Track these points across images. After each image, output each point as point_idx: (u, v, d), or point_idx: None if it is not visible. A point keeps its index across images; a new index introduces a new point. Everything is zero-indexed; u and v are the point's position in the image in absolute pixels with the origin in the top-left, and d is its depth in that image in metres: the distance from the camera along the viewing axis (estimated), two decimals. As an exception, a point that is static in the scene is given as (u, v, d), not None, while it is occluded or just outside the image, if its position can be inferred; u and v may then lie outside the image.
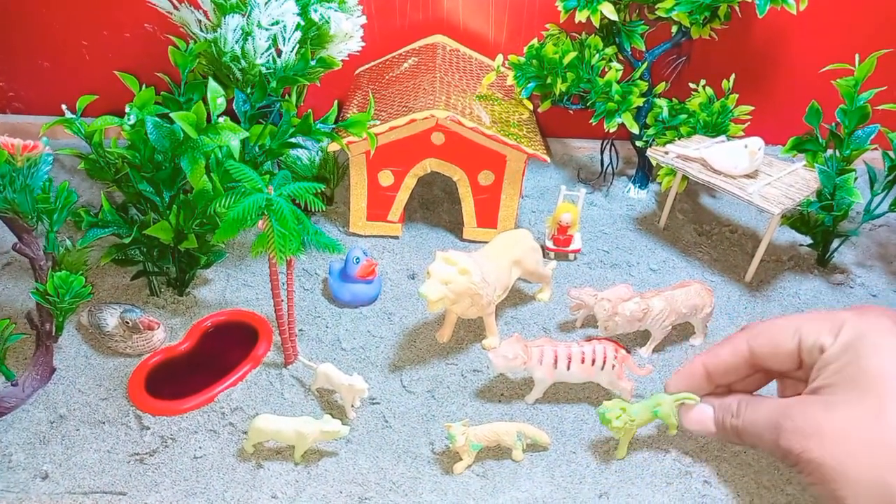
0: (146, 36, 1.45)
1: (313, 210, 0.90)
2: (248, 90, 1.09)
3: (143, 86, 0.98)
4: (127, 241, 1.03)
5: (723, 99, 1.30)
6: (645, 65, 1.31)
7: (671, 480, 0.89)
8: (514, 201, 1.25)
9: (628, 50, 1.32)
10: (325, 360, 0.99)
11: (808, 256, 1.30)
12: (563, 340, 1.00)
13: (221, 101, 0.99)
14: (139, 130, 0.95)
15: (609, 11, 1.23)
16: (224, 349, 1.05)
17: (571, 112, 1.35)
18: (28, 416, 0.94)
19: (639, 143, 1.39)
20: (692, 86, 1.35)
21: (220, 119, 0.97)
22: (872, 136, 1.15)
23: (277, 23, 1.07)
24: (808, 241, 1.28)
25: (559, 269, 1.22)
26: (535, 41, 1.29)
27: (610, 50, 1.30)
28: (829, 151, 1.19)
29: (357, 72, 1.48)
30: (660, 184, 1.41)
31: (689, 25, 1.27)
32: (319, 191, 0.95)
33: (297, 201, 0.89)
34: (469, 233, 1.29)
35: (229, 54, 1.06)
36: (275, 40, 1.08)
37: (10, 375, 0.95)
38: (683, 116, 1.31)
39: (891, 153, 1.15)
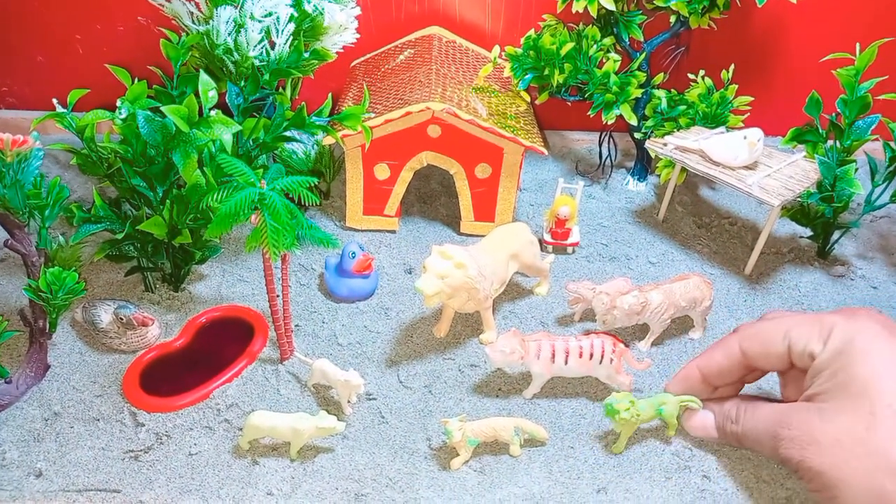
0: (140, 29, 1.44)
1: (309, 204, 0.89)
2: (241, 83, 1.08)
3: (136, 79, 0.97)
4: (120, 236, 1.02)
5: (722, 90, 1.29)
6: (643, 55, 1.30)
7: (670, 475, 0.88)
8: (511, 194, 1.24)
9: (626, 40, 1.31)
10: (321, 356, 0.99)
11: (809, 248, 1.29)
12: (561, 335, 0.99)
13: (213, 94, 0.97)
14: (131, 124, 0.94)
15: (607, 1, 1.22)
16: (219, 345, 1.04)
17: (569, 104, 1.34)
18: (22, 414, 0.93)
19: (637, 135, 1.38)
20: (691, 76, 1.33)
21: (213, 112, 0.96)
22: (873, 127, 1.13)
23: (270, 14, 1.05)
24: (809, 232, 1.27)
25: (557, 262, 1.21)
26: (531, 32, 1.28)
27: (608, 40, 1.28)
28: (830, 142, 1.18)
29: (352, 64, 1.47)
30: (658, 176, 1.40)
31: (687, 15, 1.26)
32: (314, 185, 0.94)
33: (291, 195, 0.88)
34: (466, 227, 1.28)
35: (222, 47, 1.05)
36: (268, 32, 1.06)
37: (3, 373, 0.94)
38: (682, 107, 1.30)
39: (892, 143, 1.14)
